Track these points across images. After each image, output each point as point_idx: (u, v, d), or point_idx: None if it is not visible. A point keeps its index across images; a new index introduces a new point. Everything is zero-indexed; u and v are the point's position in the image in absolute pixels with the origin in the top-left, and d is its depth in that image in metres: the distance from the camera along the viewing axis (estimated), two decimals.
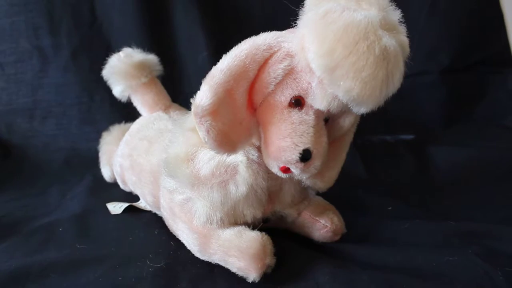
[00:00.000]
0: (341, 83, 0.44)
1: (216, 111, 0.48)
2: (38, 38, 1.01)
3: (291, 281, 0.53)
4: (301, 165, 0.49)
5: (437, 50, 1.04)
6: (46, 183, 0.85)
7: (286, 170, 0.50)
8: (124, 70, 0.76)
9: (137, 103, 0.80)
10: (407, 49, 0.47)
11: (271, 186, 0.58)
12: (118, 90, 0.78)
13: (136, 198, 0.76)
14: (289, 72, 0.49)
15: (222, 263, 0.55)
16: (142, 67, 0.77)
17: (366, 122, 1.04)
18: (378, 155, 0.99)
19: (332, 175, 0.60)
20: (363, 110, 0.47)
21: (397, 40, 0.45)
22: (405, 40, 0.46)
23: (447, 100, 1.06)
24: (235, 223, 0.57)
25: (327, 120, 0.53)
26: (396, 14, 0.47)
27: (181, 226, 0.59)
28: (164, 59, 0.85)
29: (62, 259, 0.56)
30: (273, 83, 0.50)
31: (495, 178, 0.84)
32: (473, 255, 0.56)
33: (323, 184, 0.60)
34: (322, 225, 0.62)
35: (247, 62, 0.49)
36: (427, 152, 0.98)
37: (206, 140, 0.49)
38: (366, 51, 0.42)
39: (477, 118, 1.05)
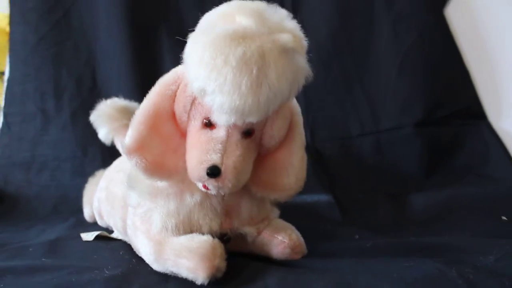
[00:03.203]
0: (214, 100, 0.47)
1: (142, 147, 0.54)
2: (43, 101, 1.13)
3: (241, 286, 0.53)
4: (212, 181, 0.51)
5: (410, 104, 1.09)
6: (30, 224, 0.88)
7: (206, 186, 0.53)
8: (108, 113, 0.83)
9: (119, 145, 0.86)
10: (295, 45, 0.47)
11: (228, 199, 0.60)
12: (103, 133, 0.84)
13: (112, 232, 0.78)
14: (194, 98, 0.54)
15: (174, 269, 0.55)
16: (125, 111, 0.84)
17: (344, 178, 1.07)
18: (356, 203, 0.98)
19: (288, 183, 0.60)
20: (252, 119, 0.49)
21: (269, 42, 0.46)
22: (285, 38, 0.47)
23: (424, 153, 1.07)
24: (191, 233, 0.58)
25: (251, 133, 0.55)
26: (278, 15, 0.49)
27: (140, 238, 0.60)
28: None
29: (24, 266, 0.59)
30: (185, 112, 0.55)
31: (471, 213, 0.83)
32: (431, 261, 0.56)
33: (278, 194, 0.61)
34: (280, 241, 0.62)
35: (159, 100, 0.55)
36: (407, 199, 0.98)
37: (137, 171, 0.55)
38: (223, 64, 0.45)
39: (456, 168, 1.06)
